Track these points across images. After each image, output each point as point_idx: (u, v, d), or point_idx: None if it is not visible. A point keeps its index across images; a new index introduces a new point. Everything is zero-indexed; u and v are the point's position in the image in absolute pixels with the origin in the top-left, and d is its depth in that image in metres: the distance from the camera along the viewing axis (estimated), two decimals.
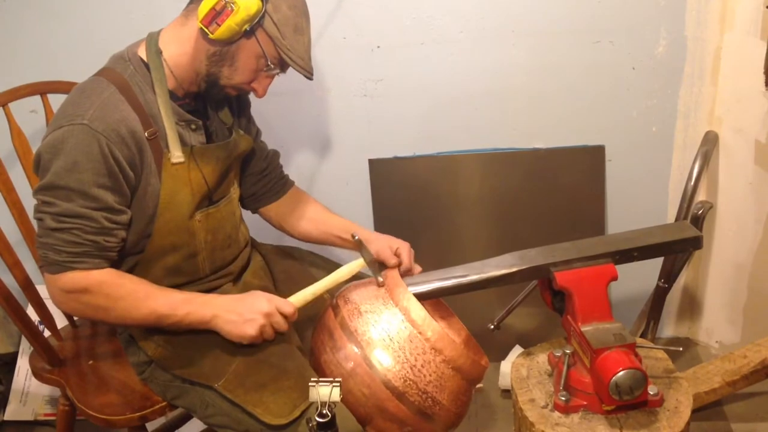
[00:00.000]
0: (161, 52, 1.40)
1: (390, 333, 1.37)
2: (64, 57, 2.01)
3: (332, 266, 1.75)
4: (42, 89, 1.72)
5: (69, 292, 1.33)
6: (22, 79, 1.72)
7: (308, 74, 1.44)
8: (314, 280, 1.70)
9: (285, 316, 1.41)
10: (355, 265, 1.50)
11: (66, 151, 1.28)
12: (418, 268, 1.55)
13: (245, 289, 1.58)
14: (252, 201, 1.71)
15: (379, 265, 1.52)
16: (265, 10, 1.34)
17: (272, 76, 1.45)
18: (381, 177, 2.15)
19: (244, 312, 1.38)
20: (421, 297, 1.46)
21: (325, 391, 1.17)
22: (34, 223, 1.36)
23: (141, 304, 1.36)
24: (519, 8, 1.95)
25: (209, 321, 1.39)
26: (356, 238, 1.50)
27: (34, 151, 1.38)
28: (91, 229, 1.30)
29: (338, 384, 1.17)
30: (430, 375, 1.35)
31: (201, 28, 1.34)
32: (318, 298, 1.49)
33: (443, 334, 1.36)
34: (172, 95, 1.42)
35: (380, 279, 1.47)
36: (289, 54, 1.39)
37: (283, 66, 1.43)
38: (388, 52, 2.02)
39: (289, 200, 1.72)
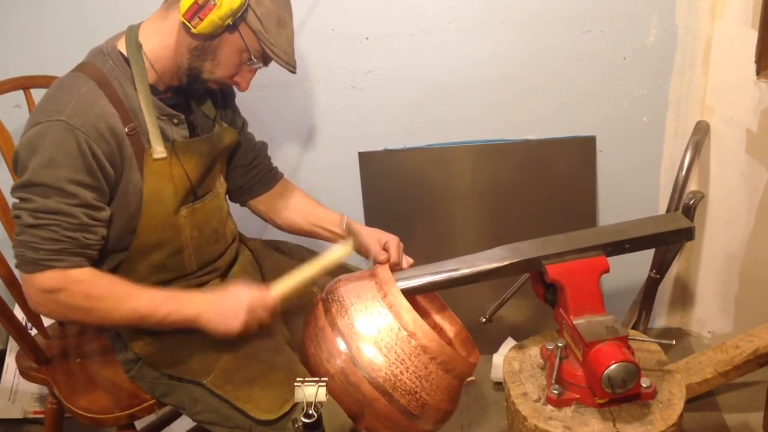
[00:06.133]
0: (141, 46, 1.38)
1: (378, 330, 1.35)
2: (49, 51, 1.98)
3: None
4: (25, 84, 1.69)
5: (46, 291, 1.29)
6: (5, 74, 1.69)
7: (292, 68, 1.42)
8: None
9: (269, 309, 1.39)
10: (339, 252, 1.48)
11: (43, 147, 1.26)
12: (408, 261, 1.53)
13: None
14: (241, 193, 1.69)
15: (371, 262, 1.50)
16: (248, 4, 1.32)
17: (255, 70, 1.44)
18: (371, 169, 2.14)
19: (226, 308, 1.36)
20: (412, 292, 1.45)
21: (311, 391, 1.15)
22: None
23: (122, 303, 1.33)
24: None
25: (193, 320, 1.36)
26: (345, 225, 1.47)
27: None
28: (69, 225, 1.28)
29: (324, 384, 1.15)
30: (418, 373, 1.34)
31: (183, 23, 1.31)
32: (303, 287, 1.47)
33: (431, 333, 1.35)
34: (153, 89, 1.39)
35: (370, 262, 1.45)
36: (272, 48, 1.37)
37: (266, 60, 1.41)
38: (377, 44, 2.00)
39: (279, 192, 1.70)
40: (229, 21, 1.32)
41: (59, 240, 1.28)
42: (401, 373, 1.33)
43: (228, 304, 1.36)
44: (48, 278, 1.28)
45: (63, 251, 1.28)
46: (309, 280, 1.47)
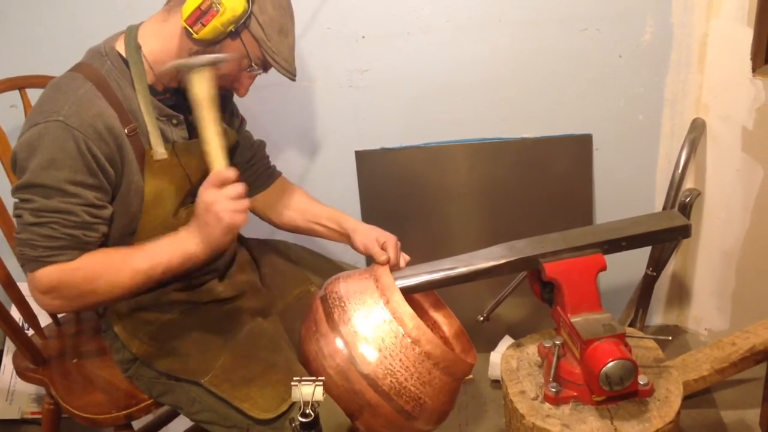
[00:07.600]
0: (141, 47, 1.37)
1: (376, 331, 1.35)
2: (44, 50, 1.98)
3: (320, 260, 1.74)
4: (20, 84, 1.69)
5: (46, 292, 1.29)
6: (1, 74, 1.69)
7: (292, 76, 1.42)
8: (302, 274, 1.69)
9: (225, 183, 1.29)
10: (201, 82, 1.30)
11: (42, 148, 1.26)
12: (405, 259, 1.53)
13: (233, 285, 1.56)
14: None
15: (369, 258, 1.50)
16: (251, 11, 1.32)
17: (254, 76, 1.43)
18: (368, 168, 2.14)
19: (205, 221, 1.29)
20: (410, 290, 1.45)
21: (307, 391, 1.15)
22: (15, 221, 1.33)
23: (121, 271, 1.31)
24: None
25: (195, 252, 1.32)
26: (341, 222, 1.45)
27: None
28: (69, 223, 1.27)
29: (321, 383, 1.15)
30: (422, 379, 1.34)
31: (185, 28, 1.31)
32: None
33: (435, 340, 1.35)
34: (152, 90, 1.39)
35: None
36: (273, 56, 1.37)
37: (266, 67, 1.41)
38: (374, 42, 2.00)
39: (276, 190, 1.70)
40: (232, 27, 1.31)
41: (58, 237, 1.27)
42: (406, 380, 1.33)
43: (204, 216, 1.29)
44: (45, 276, 1.28)
45: (61, 247, 1.28)
46: (221, 130, 1.34)
